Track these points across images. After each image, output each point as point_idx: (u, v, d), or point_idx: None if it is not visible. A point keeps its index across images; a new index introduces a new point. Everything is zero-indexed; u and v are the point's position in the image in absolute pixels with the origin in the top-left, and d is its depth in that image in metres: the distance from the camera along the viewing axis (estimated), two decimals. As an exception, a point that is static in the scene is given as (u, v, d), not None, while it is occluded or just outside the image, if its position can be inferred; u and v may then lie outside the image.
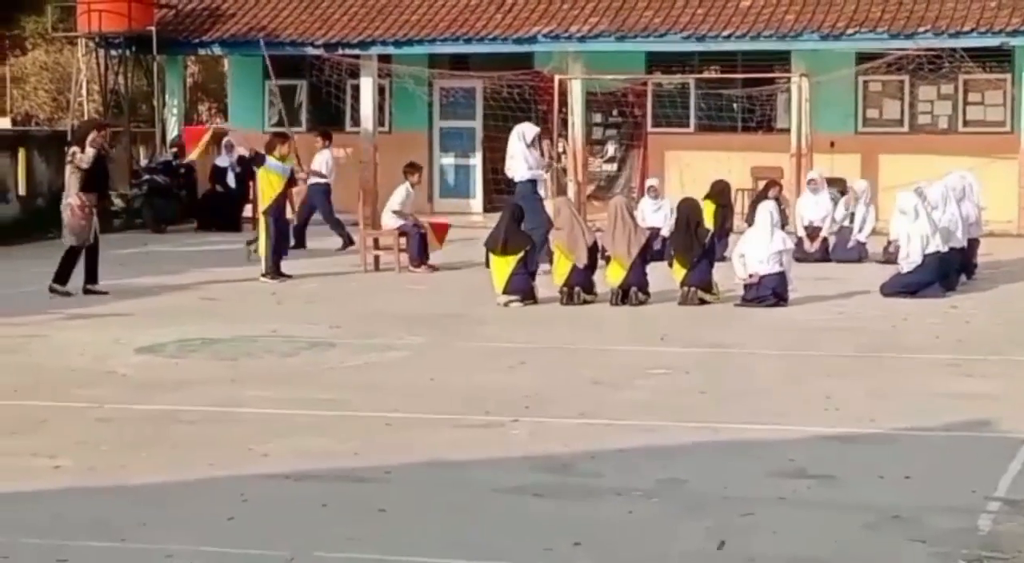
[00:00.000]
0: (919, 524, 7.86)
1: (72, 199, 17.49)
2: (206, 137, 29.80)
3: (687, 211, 17.24)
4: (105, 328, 15.28)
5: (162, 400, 11.48)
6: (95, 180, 17.90)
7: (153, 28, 28.81)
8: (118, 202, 27.71)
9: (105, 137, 18.81)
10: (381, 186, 25.02)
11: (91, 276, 17.74)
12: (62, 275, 17.52)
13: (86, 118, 28.62)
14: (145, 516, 8.15)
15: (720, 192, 18.95)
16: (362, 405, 11.26)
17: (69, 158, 17.57)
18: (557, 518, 8.09)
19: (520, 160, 19.90)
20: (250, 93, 30.88)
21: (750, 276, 16.56)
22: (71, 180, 17.51)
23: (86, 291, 17.59)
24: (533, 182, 20.03)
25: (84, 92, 31.09)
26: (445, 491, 8.70)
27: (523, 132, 20.27)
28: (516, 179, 19.98)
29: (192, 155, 28.95)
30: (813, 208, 21.65)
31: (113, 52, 29.81)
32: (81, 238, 17.55)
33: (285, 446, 9.83)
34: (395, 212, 20.67)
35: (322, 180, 23.57)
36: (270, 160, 19.51)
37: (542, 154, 21.44)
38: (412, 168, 21.55)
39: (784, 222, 19.56)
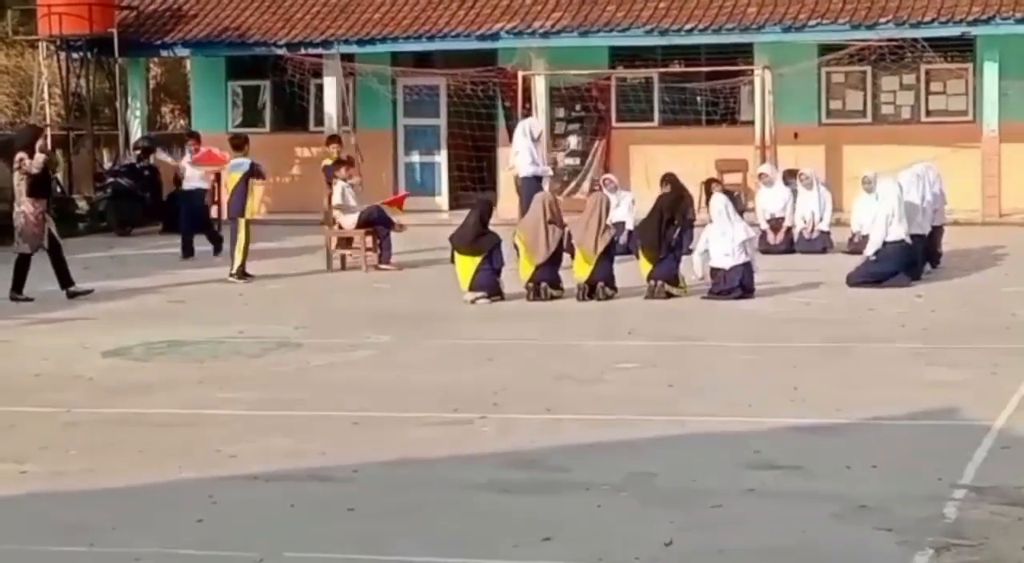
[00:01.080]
0: (886, 513, 7.90)
1: (25, 206, 17.38)
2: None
3: (662, 207, 17.18)
4: (71, 332, 15.23)
5: (129, 403, 11.46)
6: (46, 185, 17.86)
7: (114, 30, 28.64)
8: (82, 205, 27.59)
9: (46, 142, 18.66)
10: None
11: (65, 280, 17.61)
12: (18, 283, 17.43)
13: (41, 123, 28.29)
14: (114, 520, 8.13)
15: (673, 184, 18.90)
16: (329, 405, 11.26)
17: (17, 164, 17.41)
18: (526, 514, 8.10)
19: (526, 155, 19.75)
20: (213, 94, 30.73)
21: (712, 271, 16.53)
22: (21, 187, 17.40)
23: (70, 295, 17.48)
24: (538, 178, 19.87)
25: (46, 96, 30.81)
26: (413, 489, 8.71)
27: (529, 128, 20.13)
28: (520, 175, 19.81)
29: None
30: (770, 200, 21.73)
31: (74, 55, 29.63)
32: (34, 245, 17.45)
33: (253, 447, 9.82)
34: (337, 207, 20.51)
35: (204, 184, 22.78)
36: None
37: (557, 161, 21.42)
38: (338, 164, 21.52)
39: (742, 210, 19.56)
